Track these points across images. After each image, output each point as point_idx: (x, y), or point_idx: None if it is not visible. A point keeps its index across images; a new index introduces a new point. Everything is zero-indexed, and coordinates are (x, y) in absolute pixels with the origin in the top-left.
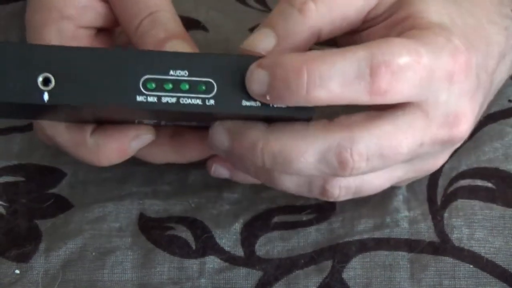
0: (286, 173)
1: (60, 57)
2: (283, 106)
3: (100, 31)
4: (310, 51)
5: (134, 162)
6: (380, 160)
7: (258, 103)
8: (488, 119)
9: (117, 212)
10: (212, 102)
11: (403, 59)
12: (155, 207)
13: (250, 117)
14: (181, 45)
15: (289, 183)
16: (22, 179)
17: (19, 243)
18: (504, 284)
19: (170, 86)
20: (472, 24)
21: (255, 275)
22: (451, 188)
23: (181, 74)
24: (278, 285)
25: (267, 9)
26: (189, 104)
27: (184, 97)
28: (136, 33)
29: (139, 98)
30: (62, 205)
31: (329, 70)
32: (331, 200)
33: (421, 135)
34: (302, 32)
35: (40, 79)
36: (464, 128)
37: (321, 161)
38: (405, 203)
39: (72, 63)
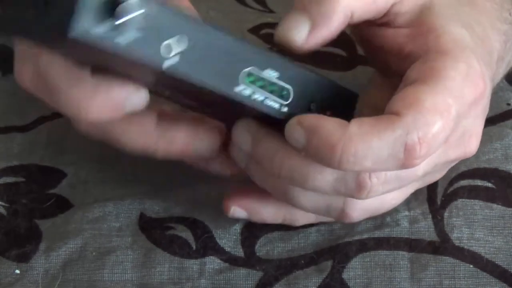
0: (303, 188)
1: (188, 28)
2: None
3: None
4: (349, 125)
5: (134, 162)
6: (396, 182)
7: None
8: (487, 122)
9: (117, 212)
10: (285, 109)
11: (437, 126)
12: (155, 207)
13: None
14: None
15: (307, 202)
16: (23, 179)
17: (19, 243)
18: (504, 284)
19: (261, 83)
20: (479, 33)
21: (255, 275)
22: (451, 188)
23: (273, 75)
24: (278, 285)
25: (267, 9)
26: (269, 105)
27: (268, 98)
28: None
29: (237, 89)
30: (62, 205)
31: (364, 151)
32: (348, 222)
33: (437, 159)
34: (336, 15)
35: (165, 43)
36: (476, 145)
37: (339, 181)
38: (405, 204)
39: (195, 37)
